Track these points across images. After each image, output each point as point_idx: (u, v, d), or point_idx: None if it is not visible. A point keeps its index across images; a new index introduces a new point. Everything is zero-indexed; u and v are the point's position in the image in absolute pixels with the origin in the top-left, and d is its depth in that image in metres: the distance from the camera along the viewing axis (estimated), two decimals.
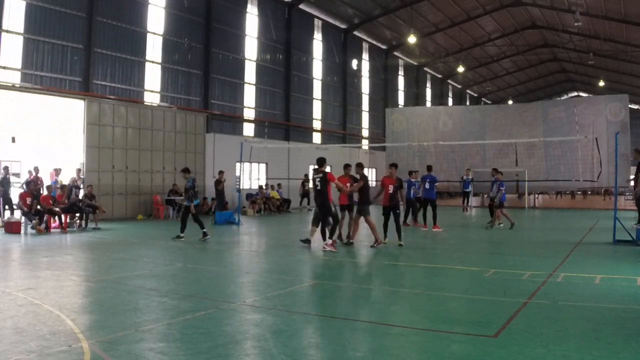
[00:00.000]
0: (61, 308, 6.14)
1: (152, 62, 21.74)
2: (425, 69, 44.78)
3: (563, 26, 35.92)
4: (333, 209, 11.83)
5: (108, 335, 5.12)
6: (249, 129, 26.87)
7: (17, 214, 16.11)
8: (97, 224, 16.26)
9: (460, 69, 42.00)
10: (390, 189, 12.01)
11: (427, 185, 16.35)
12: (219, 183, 18.98)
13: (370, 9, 32.41)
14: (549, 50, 42.83)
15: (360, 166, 12.59)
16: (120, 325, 5.48)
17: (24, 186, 15.74)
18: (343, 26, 33.36)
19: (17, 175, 17.42)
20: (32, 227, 14.72)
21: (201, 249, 11.97)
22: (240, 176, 19.12)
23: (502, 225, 16.48)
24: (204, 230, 13.07)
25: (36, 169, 16.37)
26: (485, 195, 17.13)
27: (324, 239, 11.37)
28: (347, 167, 12.52)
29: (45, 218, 15.06)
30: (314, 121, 31.71)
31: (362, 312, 6.45)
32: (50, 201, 15.18)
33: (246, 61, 26.43)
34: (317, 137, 32.19)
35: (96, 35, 19.32)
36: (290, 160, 27.04)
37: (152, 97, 21.86)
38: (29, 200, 14.94)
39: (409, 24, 33.36)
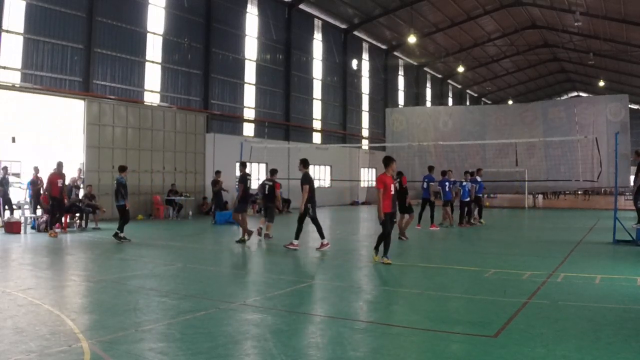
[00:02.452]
0: (61, 308, 6.14)
1: (152, 62, 21.74)
2: (425, 69, 44.77)
3: (563, 26, 35.91)
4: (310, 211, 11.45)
5: (108, 335, 5.12)
6: (249, 129, 26.87)
7: (17, 214, 16.12)
8: (97, 224, 16.27)
9: (460, 69, 41.99)
10: (392, 189, 9.59)
11: (424, 185, 16.55)
12: (215, 184, 18.97)
13: (370, 9, 32.40)
14: (549, 50, 42.83)
15: (243, 165, 13.24)
16: (120, 325, 5.48)
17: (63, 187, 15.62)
18: (343, 26, 33.35)
19: (17, 175, 17.42)
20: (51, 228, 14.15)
21: (201, 249, 11.97)
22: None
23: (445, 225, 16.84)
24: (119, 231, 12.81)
25: (36, 169, 16.37)
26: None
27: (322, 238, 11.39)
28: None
29: (45, 218, 15.06)
30: (314, 121, 31.70)
31: (362, 312, 6.45)
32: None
33: (246, 61, 26.43)
34: (317, 137, 32.19)
35: (96, 35, 19.32)
36: (290, 160, 27.03)
37: (152, 97, 21.86)
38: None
39: (409, 24, 33.34)
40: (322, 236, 11.41)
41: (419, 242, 13.17)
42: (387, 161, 9.57)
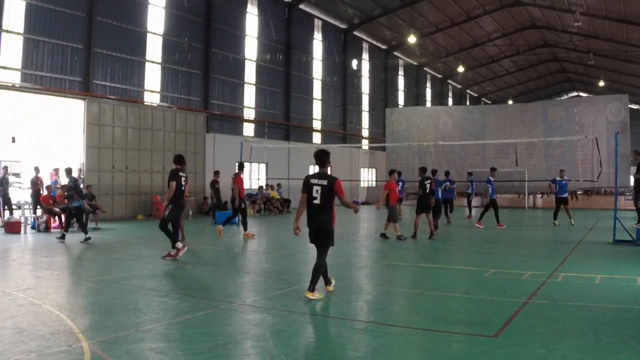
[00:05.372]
0: (61, 308, 6.14)
1: (152, 62, 21.75)
2: (425, 69, 44.77)
3: (563, 26, 35.92)
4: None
5: (108, 335, 5.12)
6: (249, 129, 26.88)
7: (17, 214, 16.12)
8: (97, 224, 16.25)
9: (460, 69, 41.99)
10: (316, 192, 6.88)
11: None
12: (214, 184, 18.97)
13: (370, 9, 32.41)
14: (549, 50, 42.83)
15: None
16: (120, 325, 5.48)
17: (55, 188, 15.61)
18: (343, 26, 33.36)
19: (17, 175, 17.41)
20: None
21: (201, 249, 11.96)
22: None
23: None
24: (65, 234, 12.76)
25: (36, 169, 16.38)
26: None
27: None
28: (392, 172, 14.48)
29: (45, 218, 15.07)
30: (314, 121, 31.71)
31: (362, 312, 6.45)
32: (50, 201, 15.18)
33: (246, 61, 26.44)
34: (317, 137, 32.19)
35: (96, 35, 19.32)
36: (290, 160, 27.04)
37: (152, 97, 21.87)
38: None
39: (409, 24, 33.36)
40: (173, 245, 10.12)
41: (419, 242, 13.16)
42: (328, 157, 7.07)
